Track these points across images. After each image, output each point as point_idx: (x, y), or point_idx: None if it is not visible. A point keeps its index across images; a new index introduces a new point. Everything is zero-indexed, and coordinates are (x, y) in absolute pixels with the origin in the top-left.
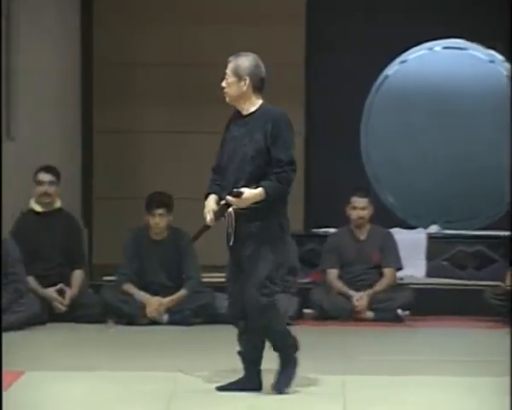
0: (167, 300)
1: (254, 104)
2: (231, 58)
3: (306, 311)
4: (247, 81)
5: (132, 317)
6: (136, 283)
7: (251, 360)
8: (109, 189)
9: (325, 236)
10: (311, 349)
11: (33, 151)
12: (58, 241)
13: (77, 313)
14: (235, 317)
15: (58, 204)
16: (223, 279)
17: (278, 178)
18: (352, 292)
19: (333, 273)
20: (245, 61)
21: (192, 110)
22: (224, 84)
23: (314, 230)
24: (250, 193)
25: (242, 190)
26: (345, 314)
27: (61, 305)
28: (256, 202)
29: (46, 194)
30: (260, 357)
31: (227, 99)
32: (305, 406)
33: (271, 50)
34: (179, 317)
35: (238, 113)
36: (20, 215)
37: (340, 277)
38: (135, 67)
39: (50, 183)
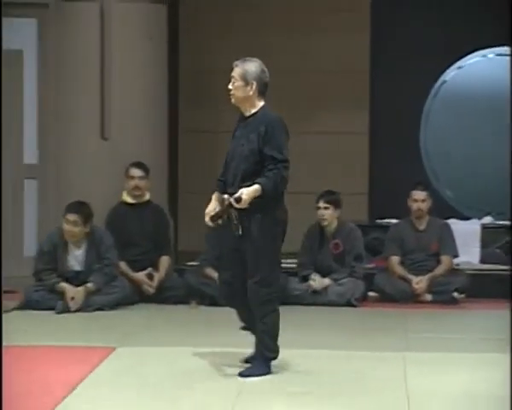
0: None
1: (256, 107)
2: (238, 63)
3: (371, 294)
4: (254, 85)
5: (214, 298)
6: (217, 267)
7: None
8: (193, 183)
9: (388, 226)
10: (374, 328)
11: (125, 149)
12: (147, 229)
13: (163, 295)
14: (229, 303)
15: (147, 197)
16: (295, 265)
17: (273, 174)
18: (412, 277)
19: (395, 260)
20: (252, 67)
21: None
22: (230, 86)
23: (378, 220)
24: (247, 193)
25: (240, 192)
26: (405, 297)
27: (149, 287)
28: (255, 198)
29: (137, 187)
30: None
31: (233, 101)
32: (369, 379)
33: (339, 57)
34: None
35: (242, 114)
36: (113, 207)
37: (402, 263)
38: (217, 73)
39: (141, 177)
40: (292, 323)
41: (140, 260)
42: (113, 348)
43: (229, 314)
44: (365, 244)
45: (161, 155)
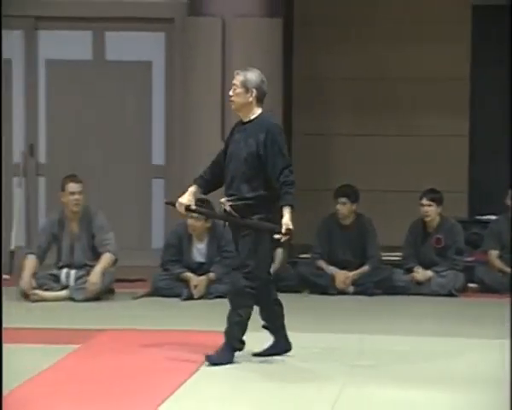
0: (353, 273)
1: (255, 113)
2: (239, 71)
3: (471, 285)
4: (254, 93)
5: (324, 288)
6: (327, 259)
7: (275, 329)
8: (306, 182)
9: (487, 222)
10: (475, 317)
11: None
12: None
13: (278, 284)
14: (255, 302)
15: None
16: (399, 257)
17: (288, 186)
18: (510, 269)
19: (494, 254)
20: (252, 76)
21: (372, 116)
22: (231, 93)
23: (477, 216)
24: (290, 221)
25: (286, 225)
26: (504, 288)
27: None
28: (247, 199)
29: None
30: (283, 324)
31: (233, 107)
32: (469, 365)
33: (441, 66)
34: (363, 288)
35: (241, 120)
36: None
37: (500, 257)
38: (328, 80)
39: None
40: (397, 312)
41: None
42: None
43: (339, 303)
44: (465, 239)
45: None
